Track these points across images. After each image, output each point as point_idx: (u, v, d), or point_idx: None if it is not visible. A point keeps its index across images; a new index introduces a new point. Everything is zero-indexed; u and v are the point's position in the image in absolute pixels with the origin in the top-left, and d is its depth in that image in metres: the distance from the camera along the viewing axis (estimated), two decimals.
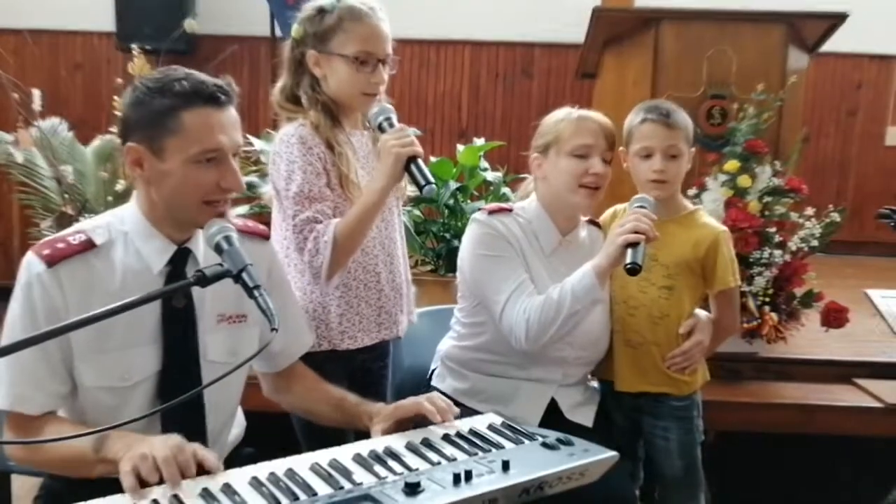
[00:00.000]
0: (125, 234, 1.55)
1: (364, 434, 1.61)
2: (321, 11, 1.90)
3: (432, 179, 1.78)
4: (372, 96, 1.91)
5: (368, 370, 2.03)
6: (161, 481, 1.30)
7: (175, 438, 1.37)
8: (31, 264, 1.49)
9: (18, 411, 1.49)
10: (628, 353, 2.07)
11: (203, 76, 1.51)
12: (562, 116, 2.02)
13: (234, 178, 1.52)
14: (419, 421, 1.57)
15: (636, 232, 1.81)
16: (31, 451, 1.52)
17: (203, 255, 1.57)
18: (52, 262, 1.48)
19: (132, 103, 1.51)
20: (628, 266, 1.80)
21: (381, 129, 1.87)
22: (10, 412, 1.50)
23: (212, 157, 1.49)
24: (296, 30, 1.94)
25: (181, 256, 1.57)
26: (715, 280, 2.03)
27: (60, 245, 1.50)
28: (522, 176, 3.45)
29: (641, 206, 1.89)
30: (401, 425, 1.57)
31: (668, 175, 2.00)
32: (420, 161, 1.79)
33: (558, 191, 2.00)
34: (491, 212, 2.04)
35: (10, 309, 1.51)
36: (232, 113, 1.53)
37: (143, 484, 1.29)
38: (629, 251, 1.81)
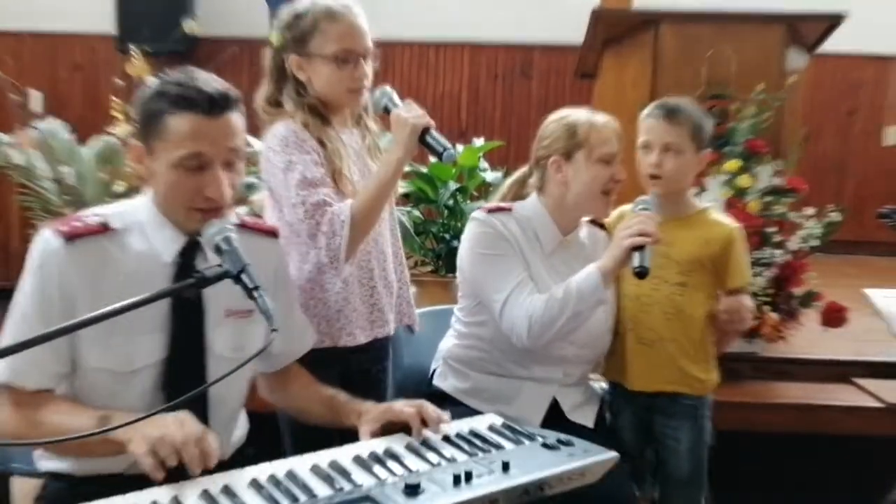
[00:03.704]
0: (139, 222, 1.56)
1: (350, 433, 1.60)
2: (297, 16, 1.91)
3: (449, 145, 1.81)
4: (357, 92, 1.93)
5: (366, 372, 2.02)
6: (179, 464, 1.30)
7: (189, 422, 1.35)
8: (47, 240, 1.50)
9: (14, 384, 1.48)
10: (642, 352, 2.06)
11: (204, 83, 1.50)
12: (583, 120, 2.00)
13: (217, 188, 1.50)
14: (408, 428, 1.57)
15: (641, 234, 1.81)
16: (29, 428, 1.49)
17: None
18: (69, 238, 1.48)
19: (137, 101, 1.53)
20: (637, 270, 1.80)
21: (386, 109, 1.89)
22: (7, 385, 1.49)
23: (194, 164, 1.49)
24: (275, 37, 1.95)
25: (192, 247, 1.57)
26: (728, 278, 2.03)
27: (78, 224, 1.51)
28: None
29: (645, 209, 1.90)
30: (389, 428, 1.56)
31: (663, 170, 2.01)
32: (433, 130, 1.82)
33: (579, 196, 2.00)
34: (490, 210, 2.04)
35: (21, 282, 1.51)
36: (226, 121, 1.51)
37: (162, 466, 1.29)
38: (636, 254, 1.81)
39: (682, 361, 2.03)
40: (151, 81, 1.53)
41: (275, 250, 1.75)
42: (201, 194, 1.50)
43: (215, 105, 1.49)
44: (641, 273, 1.80)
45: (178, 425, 1.33)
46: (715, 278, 2.05)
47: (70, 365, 1.52)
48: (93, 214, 1.55)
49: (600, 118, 2.02)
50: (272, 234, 1.75)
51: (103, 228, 1.52)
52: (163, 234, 1.56)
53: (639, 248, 1.81)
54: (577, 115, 2.03)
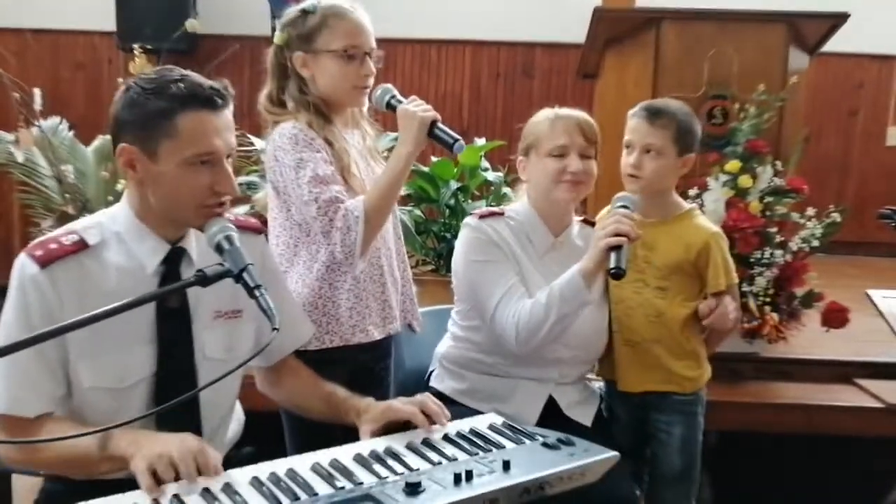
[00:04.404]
0: (117, 234, 1.54)
1: (351, 430, 1.61)
2: (304, 13, 1.93)
3: (458, 136, 1.83)
4: (363, 89, 1.95)
5: (370, 371, 2.02)
6: (177, 478, 1.30)
7: (190, 439, 1.36)
8: (24, 266, 1.47)
9: (14, 415, 1.47)
10: (629, 353, 2.07)
11: (199, 78, 1.50)
12: (541, 118, 2.04)
13: (228, 181, 1.51)
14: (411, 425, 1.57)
15: (617, 234, 1.81)
16: (29, 453, 1.49)
17: (197, 253, 1.57)
18: (45, 262, 1.46)
19: (126, 104, 1.49)
20: (612, 271, 1.79)
21: (389, 106, 1.91)
22: (5, 415, 1.47)
23: (206, 160, 1.48)
24: (279, 36, 1.96)
25: (175, 256, 1.56)
26: (707, 283, 2.04)
27: (53, 246, 1.48)
28: None
29: (623, 206, 1.89)
30: (390, 428, 1.56)
31: (641, 171, 2.01)
32: (440, 123, 1.84)
33: (540, 190, 2.02)
34: (482, 216, 2.05)
35: (3, 312, 1.49)
36: (227, 116, 1.52)
37: (158, 482, 1.29)
38: (612, 255, 1.80)
39: (668, 362, 2.04)
40: (134, 82, 1.50)
41: (259, 246, 1.73)
42: (211, 190, 1.50)
43: (221, 100, 1.50)
44: (616, 274, 1.79)
45: (179, 443, 1.33)
46: (697, 281, 2.06)
47: (66, 386, 1.50)
48: (68, 232, 1.52)
49: (560, 112, 2.02)
50: (257, 230, 1.74)
51: (80, 246, 1.50)
52: (144, 245, 1.54)
53: (616, 248, 1.80)
54: (541, 114, 2.05)
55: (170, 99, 1.46)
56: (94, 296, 1.47)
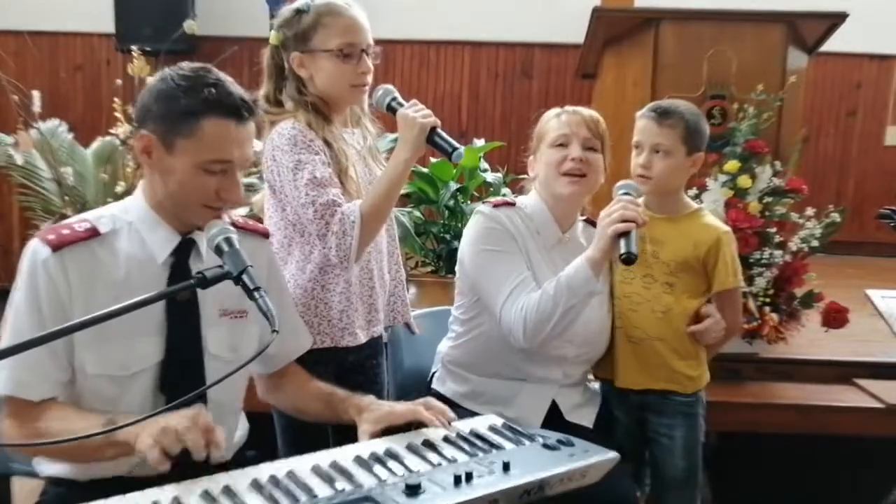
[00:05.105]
0: (130, 223, 1.56)
1: (345, 435, 1.60)
2: (298, 13, 1.92)
3: (457, 144, 1.82)
4: (361, 87, 1.94)
5: (361, 366, 2.03)
6: (184, 452, 1.31)
7: (188, 410, 1.36)
8: (35, 250, 1.49)
9: (19, 397, 1.48)
10: (631, 350, 2.07)
11: (233, 86, 1.52)
12: (549, 114, 2.05)
13: (236, 190, 1.53)
14: (416, 426, 1.57)
15: (624, 220, 1.80)
16: (33, 437, 1.48)
17: (207, 246, 1.57)
18: (57, 247, 1.48)
19: (158, 94, 1.51)
20: (623, 256, 1.79)
21: (390, 108, 1.90)
22: (10, 397, 1.48)
23: (220, 167, 1.50)
24: (274, 36, 1.95)
25: (185, 247, 1.57)
26: (715, 281, 2.04)
27: (65, 231, 1.50)
28: (522, 177, 3.46)
29: (627, 193, 1.89)
30: (391, 430, 1.56)
31: (651, 171, 2.02)
32: (440, 129, 1.83)
33: (545, 183, 2.02)
34: (496, 205, 2.04)
35: (13, 294, 1.50)
36: (251, 128, 1.54)
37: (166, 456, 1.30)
38: (621, 241, 1.80)
39: (670, 359, 2.04)
40: (170, 74, 1.52)
41: (266, 251, 1.75)
42: (217, 195, 1.52)
43: (248, 113, 1.52)
44: (628, 259, 1.78)
45: (179, 415, 1.34)
46: (703, 279, 2.06)
47: (70, 371, 1.51)
48: (80, 220, 1.54)
49: (567, 108, 2.03)
50: (263, 234, 1.76)
51: (92, 233, 1.52)
52: (156, 235, 1.55)
53: (624, 234, 1.80)
54: (550, 111, 2.06)
55: (199, 101, 1.47)
56: (103, 284, 1.49)
